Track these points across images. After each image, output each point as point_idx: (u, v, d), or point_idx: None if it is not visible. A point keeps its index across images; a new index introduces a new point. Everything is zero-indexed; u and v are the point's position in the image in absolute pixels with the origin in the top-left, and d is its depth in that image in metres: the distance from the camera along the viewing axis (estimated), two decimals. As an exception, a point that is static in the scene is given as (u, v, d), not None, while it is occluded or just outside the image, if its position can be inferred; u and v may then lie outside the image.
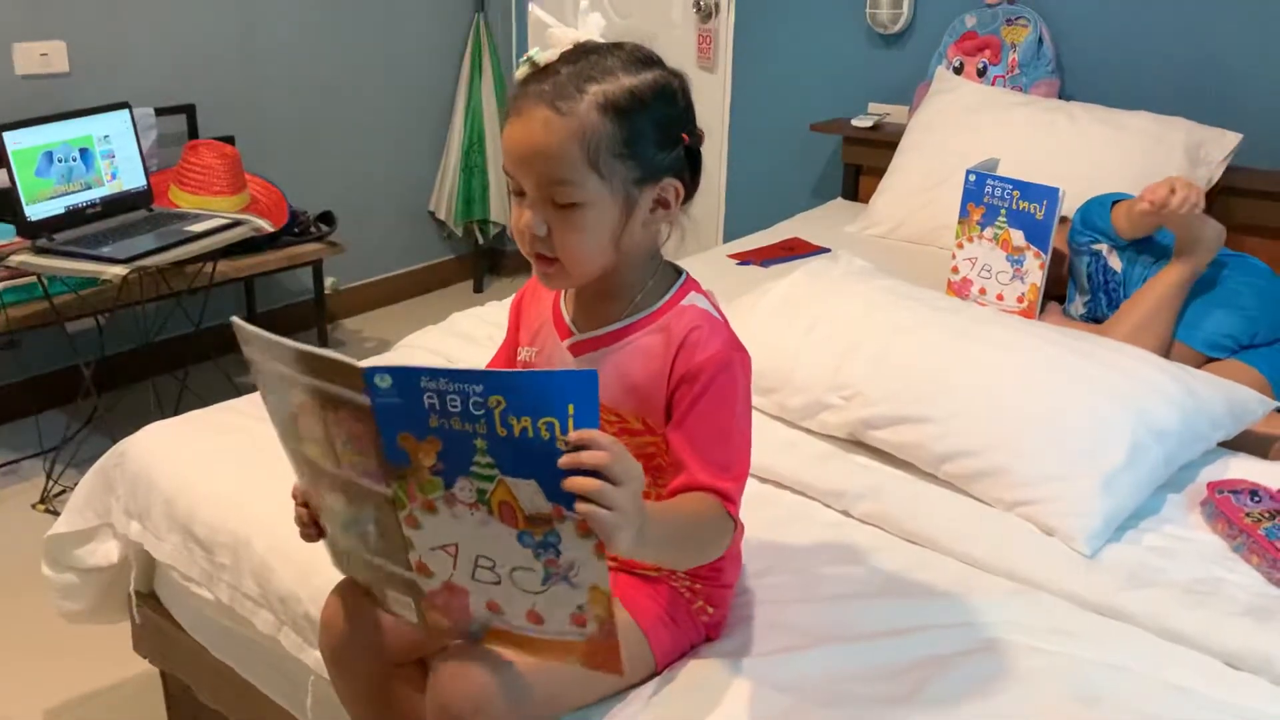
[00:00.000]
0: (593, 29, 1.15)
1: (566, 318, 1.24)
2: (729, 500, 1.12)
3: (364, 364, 0.89)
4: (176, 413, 1.93)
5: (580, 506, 0.89)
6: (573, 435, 0.87)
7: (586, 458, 0.88)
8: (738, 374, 1.15)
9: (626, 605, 1.20)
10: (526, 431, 0.87)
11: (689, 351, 1.13)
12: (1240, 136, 2.65)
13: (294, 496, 1.14)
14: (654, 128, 1.11)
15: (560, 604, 0.97)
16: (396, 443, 0.92)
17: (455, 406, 0.88)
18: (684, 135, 1.14)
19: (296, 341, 0.95)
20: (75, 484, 2.66)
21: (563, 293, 1.26)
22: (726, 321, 1.19)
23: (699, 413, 1.12)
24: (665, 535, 1.03)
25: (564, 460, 0.88)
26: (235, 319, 1.03)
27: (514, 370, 0.86)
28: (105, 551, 1.80)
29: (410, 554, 1.00)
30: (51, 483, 2.69)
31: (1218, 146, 2.66)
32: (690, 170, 1.16)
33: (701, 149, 1.18)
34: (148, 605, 1.82)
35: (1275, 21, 2.71)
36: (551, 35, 1.14)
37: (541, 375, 0.87)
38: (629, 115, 1.09)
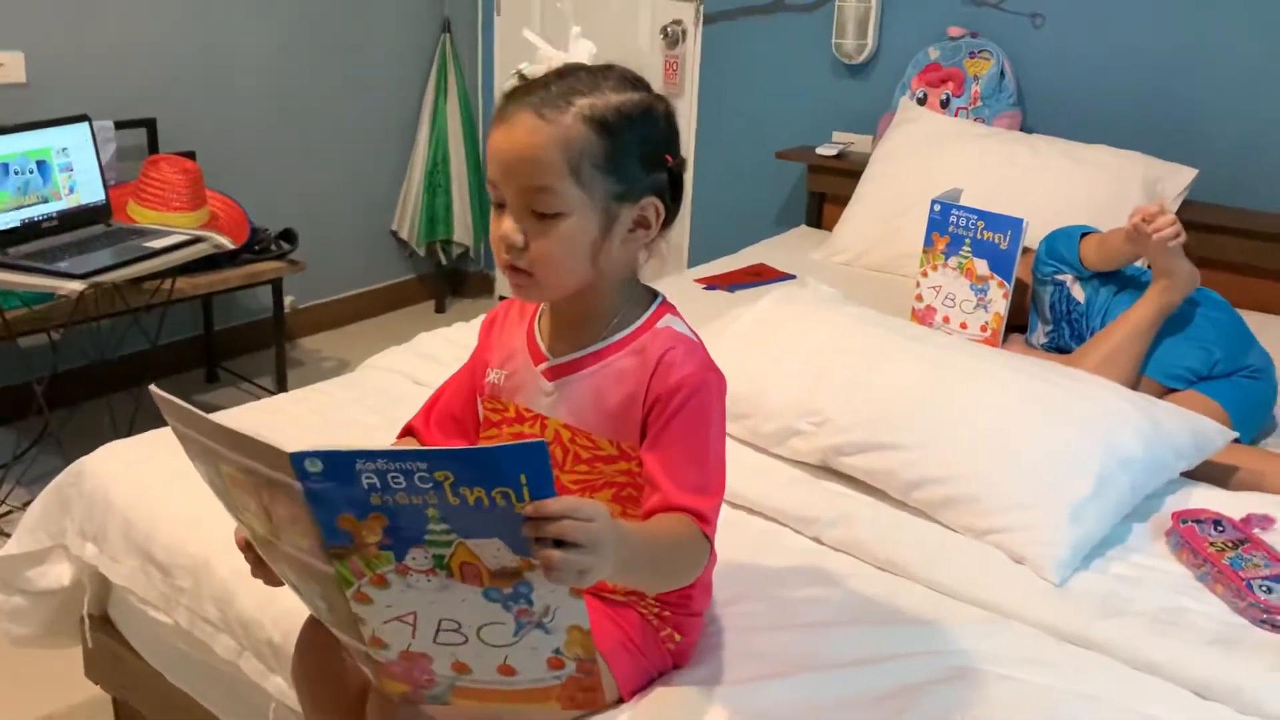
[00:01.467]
0: (582, 54, 1.16)
1: (540, 342, 1.23)
2: (704, 521, 1.11)
3: (290, 449, 0.83)
4: (131, 432, 1.88)
5: (549, 576, 0.87)
6: (529, 509, 0.85)
7: (548, 532, 0.86)
8: (713, 395, 1.15)
9: None
10: (481, 500, 0.84)
11: (664, 372, 1.13)
12: (1196, 172, 2.71)
13: (239, 545, 1.10)
14: (637, 145, 1.12)
15: (535, 651, 0.95)
16: (336, 524, 0.87)
17: (399, 483, 0.84)
18: (667, 157, 1.15)
19: (215, 418, 0.91)
20: (24, 504, 2.60)
21: (537, 317, 1.25)
22: (702, 344, 1.19)
23: (673, 433, 1.12)
24: (641, 558, 1.02)
25: (525, 531, 0.86)
26: (153, 387, 0.98)
27: (456, 447, 0.84)
28: (57, 574, 1.75)
29: (362, 629, 0.96)
30: (-1, 502, 2.62)
31: (1174, 181, 2.72)
32: (672, 193, 1.17)
33: (684, 174, 1.18)
34: (101, 629, 1.77)
35: (1231, 61, 2.78)
36: (541, 56, 1.14)
37: (488, 451, 0.84)
38: (613, 130, 1.09)
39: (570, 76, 1.11)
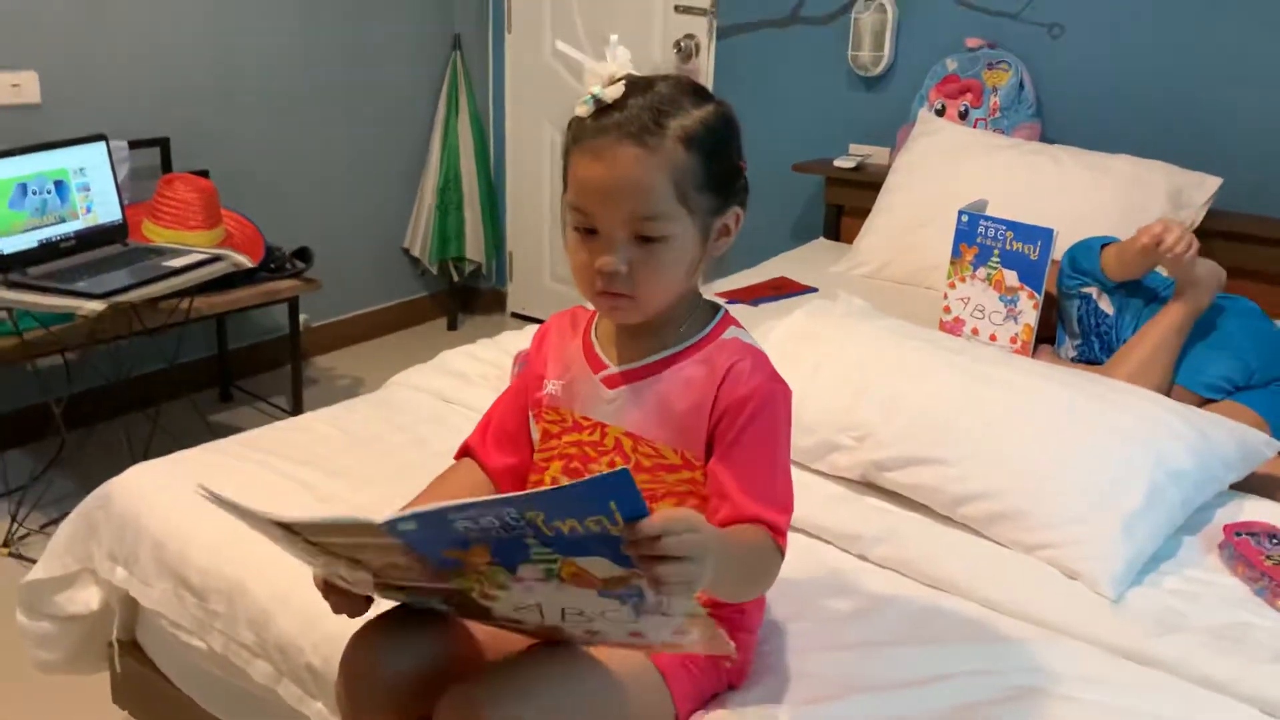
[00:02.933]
0: (624, 62, 1.13)
1: (599, 350, 1.22)
2: (777, 532, 1.11)
3: (380, 520, 0.87)
4: (148, 453, 1.86)
5: (659, 591, 0.90)
6: (627, 536, 0.86)
7: (650, 550, 0.87)
8: (780, 407, 1.15)
9: None
10: (576, 529, 0.86)
11: (733, 383, 1.13)
12: (1220, 181, 2.69)
13: (319, 587, 1.10)
14: (724, 158, 1.13)
15: (658, 627, 0.97)
16: (443, 556, 0.92)
17: (493, 524, 0.87)
18: (741, 163, 1.16)
19: (293, 516, 0.94)
20: (41, 526, 2.57)
21: (593, 326, 1.24)
22: (766, 356, 1.18)
23: (744, 445, 1.12)
24: (729, 565, 1.01)
25: (627, 551, 0.87)
26: (205, 488, 0.97)
27: (540, 489, 0.86)
28: (85, 598, 1.73)
29: (494, 610, 1.01)
30: (16, 525, 2.58)
31: (1199, 190, 2.69)
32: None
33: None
34: (130, 654, 1.74)
35: (1253, 68, 2.76)
36: (591, 72, 1.11)
37: (571, 489, 0.86)
38: (705, 148, 1.10)
39: (645, 94, 1.10)
